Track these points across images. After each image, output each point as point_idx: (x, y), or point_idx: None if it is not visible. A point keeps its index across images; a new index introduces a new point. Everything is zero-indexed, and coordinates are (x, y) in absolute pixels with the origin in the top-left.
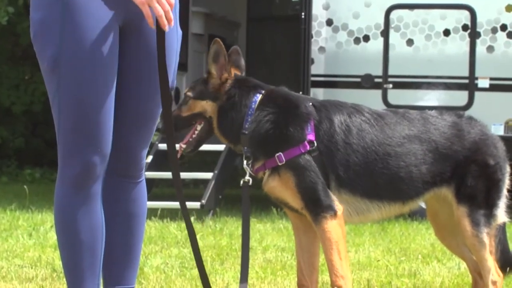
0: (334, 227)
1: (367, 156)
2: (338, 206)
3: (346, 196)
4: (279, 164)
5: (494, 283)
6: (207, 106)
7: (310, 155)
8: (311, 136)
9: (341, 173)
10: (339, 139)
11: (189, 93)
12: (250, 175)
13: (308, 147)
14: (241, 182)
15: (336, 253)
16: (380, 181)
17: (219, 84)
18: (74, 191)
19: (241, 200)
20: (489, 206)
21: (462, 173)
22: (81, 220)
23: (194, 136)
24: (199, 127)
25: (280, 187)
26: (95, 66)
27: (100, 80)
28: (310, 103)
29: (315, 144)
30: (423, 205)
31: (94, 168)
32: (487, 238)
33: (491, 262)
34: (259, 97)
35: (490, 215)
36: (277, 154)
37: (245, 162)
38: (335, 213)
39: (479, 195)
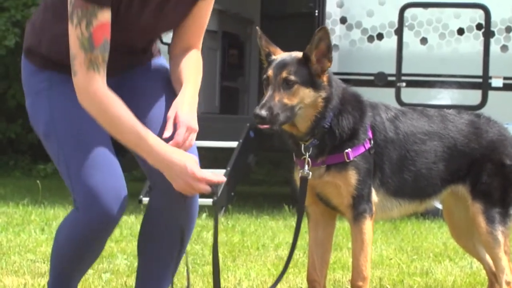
0: (369, 229)
1: (401, 152)
2: (374, 207)
3: (381, 194)
4: (347, 160)
5: (508, 283)
6: (311, 96)
7: (369, 153)
8: (370, 134)
9: (387, 170)
10: (388, 137)
11: (294, 78)
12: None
13: (369, 145)
14: (299, 175)
15: (364, 255)
16: (408, 178)
17: (320, 72)
18: (90, 237)
19: (298, 193)
20: (505, 205)
21: (478, 171)
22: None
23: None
24: None
25: (337, 183)
26: (88, 117)
27: (96, 127)
28: None
29: (372, 142)
30: (437, 205)
31: (114, 217)
32: (502, 236)
33: (505, 262)
34: (340, 94)
35: (505, 214)
36: (346, 151)
37: (307, 154)
38: (372, 214)
39: (494, 193)
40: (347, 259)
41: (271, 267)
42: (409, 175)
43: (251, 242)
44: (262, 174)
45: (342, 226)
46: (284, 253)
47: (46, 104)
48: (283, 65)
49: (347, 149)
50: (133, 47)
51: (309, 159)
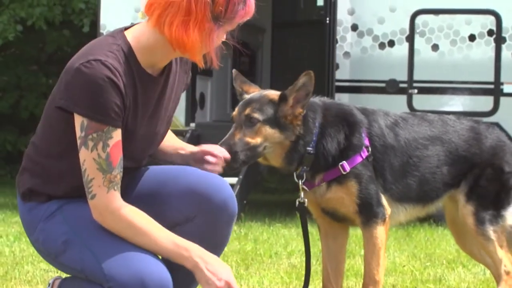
0: (381, 233)
1: (403, 158)
2: (387, 211)
3: (386, 200)
4: (343, 173)
5: (507, 273)
6: (276, 137)
7: (367, 161)
8: (366, 142)
9: (388, 177)
10: (387, 143)
11: (257, 115)
12: (304, 192)
13: (366, 153)
14: (297, 202)
15: (376, 259)
16: (412, 183)
17: (291, 116)
18: None
19: (300, 223)
20: (497, 208)
21: (476, 175)
22: None
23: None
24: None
25: (340, 196)
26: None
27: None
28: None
29: (370, 149)
30: None
31: None
32: (494, 234)
33: (501, 253)
34: (320, 119)
35: (497, 215)
36: (341, 163)
37: (300, 182)
38: (384, 219)
39: (488, 197)
40: (360, 266)
41: (284, 275)
42: (413, 180)
43: (264, 250)
44: (274, 182)
45: (355, 234)
46: (297, 260)
47: (60, 219)
48: (248, 102)
49: (340, 162)
50: (140, 162)
51: (303, 186)
